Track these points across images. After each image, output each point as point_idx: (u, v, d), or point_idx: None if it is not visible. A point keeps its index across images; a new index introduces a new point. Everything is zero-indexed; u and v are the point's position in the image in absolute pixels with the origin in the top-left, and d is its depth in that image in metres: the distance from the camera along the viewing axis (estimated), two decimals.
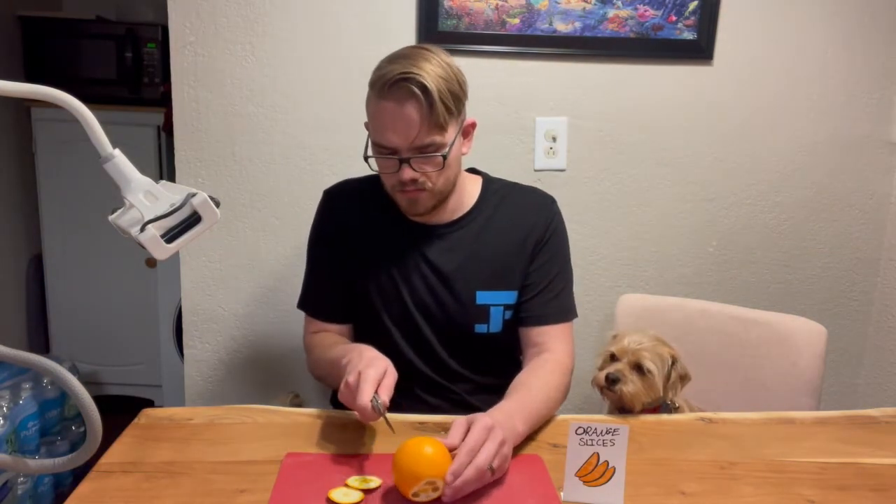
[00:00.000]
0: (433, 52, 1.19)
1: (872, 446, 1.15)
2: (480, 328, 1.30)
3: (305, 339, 1.38)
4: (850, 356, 1.98)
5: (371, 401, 0.98)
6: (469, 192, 1.34)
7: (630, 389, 1.23)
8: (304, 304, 1.39)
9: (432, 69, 1.15)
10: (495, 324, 1.30)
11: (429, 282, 1.29)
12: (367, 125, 1.25)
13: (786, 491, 1.01)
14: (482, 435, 0.96)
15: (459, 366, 1.32)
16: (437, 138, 1.17)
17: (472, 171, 1.39)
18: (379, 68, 1.19)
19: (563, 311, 1.32)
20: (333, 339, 1.32)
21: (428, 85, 1.13)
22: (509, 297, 1.30)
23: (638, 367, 1.24)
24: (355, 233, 1.32)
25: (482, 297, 1.29)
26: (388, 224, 1.31)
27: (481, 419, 0.98)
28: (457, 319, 1.29)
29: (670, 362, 1.26)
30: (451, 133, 1.20)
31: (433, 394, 1.32)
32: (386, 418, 1.00)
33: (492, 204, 1.33)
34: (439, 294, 1.29)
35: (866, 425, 1.23)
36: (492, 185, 1.36)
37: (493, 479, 0.97)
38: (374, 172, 1.27)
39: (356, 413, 1.02)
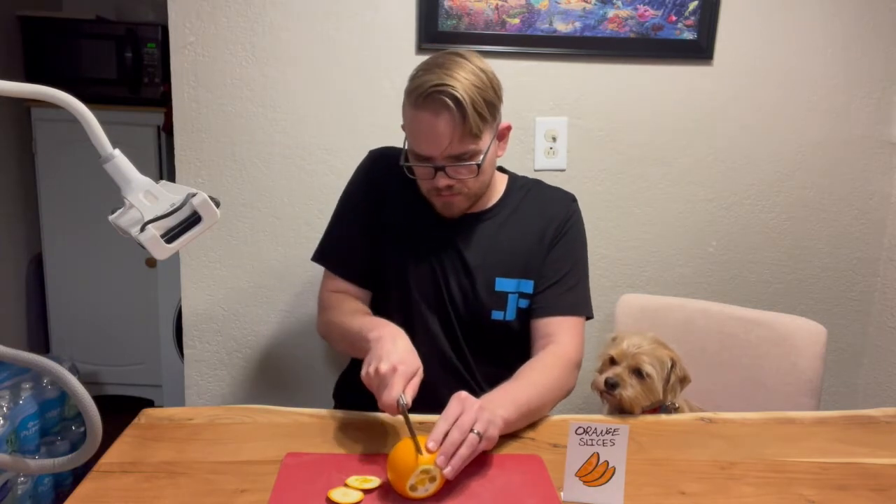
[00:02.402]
0: (468, 58, 1.21)
1: (872, 446, 1.15)
2: (497, 315, 1.32)
3: (322, 295, 1.38)
4: (850, 356, 1.98)
5: (399, 399, 0.99)
6: (496, 187, 1.37)
7: (629, 394, 1.23)
8: (322, 256, 1.39)
9: (466, 78, 1.16)
10: (511, 312, 1.32)
11: (454, 267, 1.31)
12: (404, 128, 1.27)
13: (786, 491, 1.01)
14: (457, 405, 0.99)
15: (473, 352, 1.34)
16: (472, 146, 1.20)
17: (499, 169, 1.41)
18: (414, 77, 1.20)
19: (573, 304, 1.33)
20: (356, 306, 1.32)
21: (460, 96, 1.14)
22: (526, 285, 1.32)
23: (637, 371, 1.24)
24: (391, 201, 1.34)
25: (501, 284, 1.31)
26: (423, 204, 1.33)
27: (453, 396, 1.01)
28: (475, 306, 1.31)
29: (670, 365, 1.26)
30: (486, 140, 1.23)
31: (447, 376, 1.32)
32: (408, 420, 0.98)
33: (516, 198, 1.38)
34: (462, 280, 1.31)
35: (866, 425, 1.23)
36: (517, 182, 1.41)
37: (484, 448, 0.99)
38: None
39: (379, 402, 1.02)
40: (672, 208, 1.87)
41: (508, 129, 1.31)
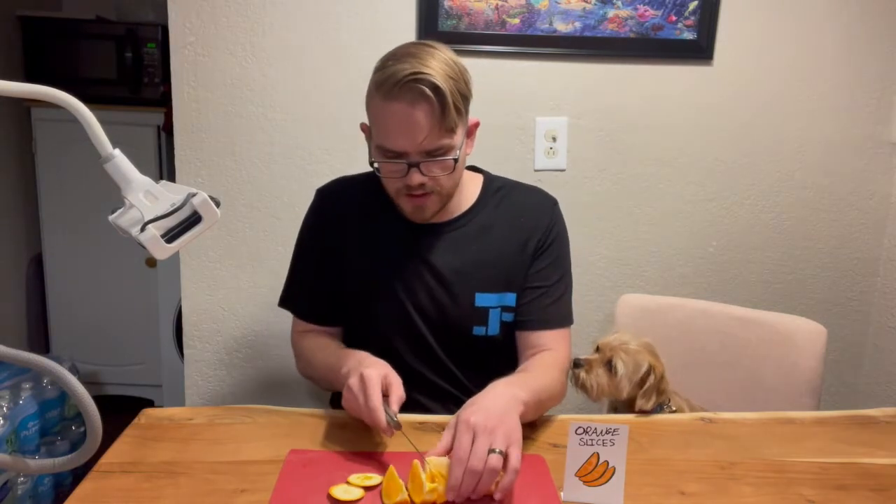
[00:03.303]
0: (439, 49, 1.14)
1: (872, 446, 1.15)
2: (478, 330, 1.27)
3: (293, 338, 1.37)
4: (850, 356, 1.98)
5: (386, 419, 0.98)
6: (469, 190, 1.30)
7: (587, 378, 1.27)
8: (287, 302, 1.37)
9: (441, 68, 1.10)
10: (493, 326, 1.28)
11: (427, 282, 1.26)
12: (364, 127, 1.22)
13: (786, 491, 1.01)
14: (467, 436, 0.92)
15: (458, 368, 1.30)
16: (447, 141, 1.13)
17: (473, 168, 1.36)
18: (383, 67, 1.12)
19: (561, 316, 1.30)
20: (326, 342, 1.30)
21: (440, 86, 1.08)
22: (509, 298, 1.28)
23: (609, 364, 1.27)
24: (349, 233, 1.29)
25: (481, 300, 1.26)
26: (385, 223, 1.28)
27: (460, 419, 0.95)
28: (455, 321, 1.27)
29: (644, 370, 1.26)
30: (460, 135, 1.16)
31: (432, 397, 1.29)
32: (407, 436, 0.97)
33: (492, 203, 1.30)
34: (437, 295, 1.26)
35: (866, 425, 1.23)
36: (493, 184, 1.33)
37: (511, 480, 0.92)
38: (369, 170, 1.23)
39: (368, 422, 1.01)
40: (672, 208, 1.87)
41: (477, 125, 1.24)
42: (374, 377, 1.01)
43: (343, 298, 1.31)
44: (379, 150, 1.16)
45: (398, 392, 1.03)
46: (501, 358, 1.30)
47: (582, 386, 1.28)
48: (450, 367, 1.30)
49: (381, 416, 0.98)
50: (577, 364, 1.28)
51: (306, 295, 1.35)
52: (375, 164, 1.17)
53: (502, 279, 1.27)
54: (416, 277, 1.26)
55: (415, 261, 1.27)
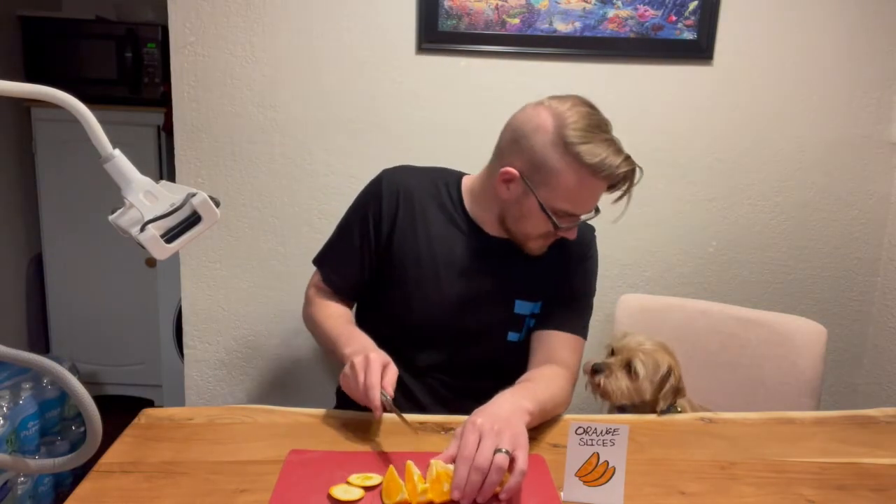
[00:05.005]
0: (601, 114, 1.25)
1: (872, 446, 1.15)
2: (513, 336, 1.33)
3: (310, 289, 1.41)
4: (850, 356, 1.98)
5: (381, 398, 1.02)
6: None
7: (609, 383, 1.25)
8: (320, 263, 1.40)
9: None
10: (524, 332, 1.34)
11: (472, 284, 1.30)
12: (514, 176, 1.21)
13: (786, 491, 1.01)
14: (473, 436, 0.94)
15: (484, 370, 1.33)
16: None
17: None
18: (588, 144, 1.17)
19: (578, 325, 1.33)
20: (340, 310, 1.34)
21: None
22: (539, 307, 1.34)
23: (629, 367, 1.26)
24: (403, 223, 1.32)
25: (520, 307, 1.32)
26: (440, 221, 1.32)
27: (467, 421, 0.98)
28: (493, 325, 1.32)
29: (665, 370, 1.25)
30: None
31: (449, 388, 1.33)
32: (400, 414, 0.99)
33: None
34: (480, 299, 1.31)
35: (866, 425, 1.23)
36: None
37: (518, 481, 0.92)
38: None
39: (361, 399, 1.06)
40: (672, 208, 1.87)
41: None
42: (376, 360, 1.08)
43: (367, 282, 1.35)
44: (557, 211, 1.21)
45: (392, 377, 1.09)
46: (519, 362, 1.33)
47: (604, 392, 1.26)
48: (476, 367, 1.33)
49: (377, 394, 1.03)
50: (597, 370, 1.26)
51: (336, 264, 1.38)
52: (553, 220, 1.21)
53: (539, 289, 1.33)
54: (465, 277, 1.31)
55: (464, 261, 1.31)
